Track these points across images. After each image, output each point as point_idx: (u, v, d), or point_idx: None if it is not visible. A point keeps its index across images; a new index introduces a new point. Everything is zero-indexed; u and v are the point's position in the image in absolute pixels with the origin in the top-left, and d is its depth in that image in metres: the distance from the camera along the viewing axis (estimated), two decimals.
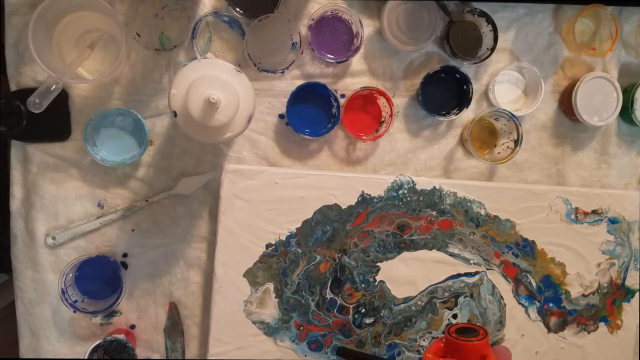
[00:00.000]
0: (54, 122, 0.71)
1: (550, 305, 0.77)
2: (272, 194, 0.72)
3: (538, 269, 0.77)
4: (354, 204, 0.73)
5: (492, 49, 0.73)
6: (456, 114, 0.74)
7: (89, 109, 0.72)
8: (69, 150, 0.72)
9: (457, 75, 0.74)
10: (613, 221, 0.78)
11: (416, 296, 0.75)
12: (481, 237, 0.75)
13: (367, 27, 0.74)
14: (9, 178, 0.73)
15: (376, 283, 0.74)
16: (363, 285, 0.74)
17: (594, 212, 0.77)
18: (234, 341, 0.72)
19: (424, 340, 0.75)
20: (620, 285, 0.78)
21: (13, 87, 0.71)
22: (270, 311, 0.73)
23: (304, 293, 0.73)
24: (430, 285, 0.75)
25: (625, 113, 0.77)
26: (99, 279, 0.72)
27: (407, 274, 0.74)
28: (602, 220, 0.78)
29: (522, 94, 0.79)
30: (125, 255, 0.74)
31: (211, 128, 0.59)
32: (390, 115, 0.73)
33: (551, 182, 0.79)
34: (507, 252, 0.76)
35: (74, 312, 0.68)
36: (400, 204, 0.74)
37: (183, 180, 0.73)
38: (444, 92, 0.75)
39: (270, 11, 0.71)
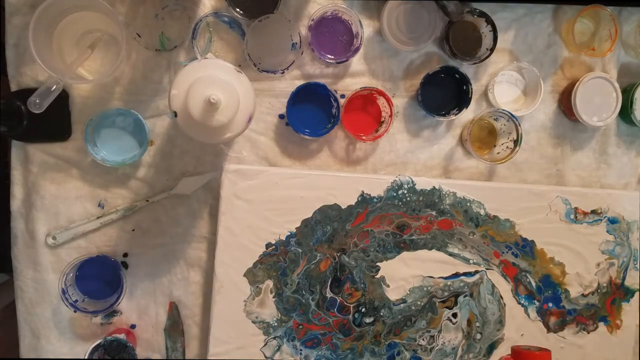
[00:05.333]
0: (55, 122, 0.71)
1: (550, 305, 0.77)
2: (272, 194, 0.72)
3: (537, 269, 0.77)
4: (353, 203, 0.74)
5: (492, 50, 0.73)
6: (456, 114, 0.74)
7: (89, 109, 0.72)
8: (69, 150, 0.73)
9: (457, 76, 0.74)
10: (612, 221, 0.78)
11: None
12: (481, 237, 0.76)
13: (367, 28, 0.74)
14: (9, 178, 0.73)
15: None
16: (363, 285, 0.74)
17: (593, 212, 0.78)
18: (234, 341, 0.72)
19: (423, 339, 0.75)
20: (619, 285, 0.78)
21: (13, 87, 0.72)
22: (270, 311, 0.73)
23: (304, 292, 0.73)
24: None
25: (625, 113, 0.77)
26: (99, 279, 0.72)
27: (407, 274, 0.75)
28: (601, 220, 0.78)
29: (522, 94, 0.79)
30: (125, 255, 0.74)
31: (211, 128, 0.59)
32: (390, 116, 0.73)
33: (550, 182, 0.79)
34: (507, 252, 0.76)
35: (75, 312, 0.68)
36: (400, 203, 0.74)
37: (183, 180, 0.73)
38: (444, 93, 0.76)
39: (270, 11, 0.71)
